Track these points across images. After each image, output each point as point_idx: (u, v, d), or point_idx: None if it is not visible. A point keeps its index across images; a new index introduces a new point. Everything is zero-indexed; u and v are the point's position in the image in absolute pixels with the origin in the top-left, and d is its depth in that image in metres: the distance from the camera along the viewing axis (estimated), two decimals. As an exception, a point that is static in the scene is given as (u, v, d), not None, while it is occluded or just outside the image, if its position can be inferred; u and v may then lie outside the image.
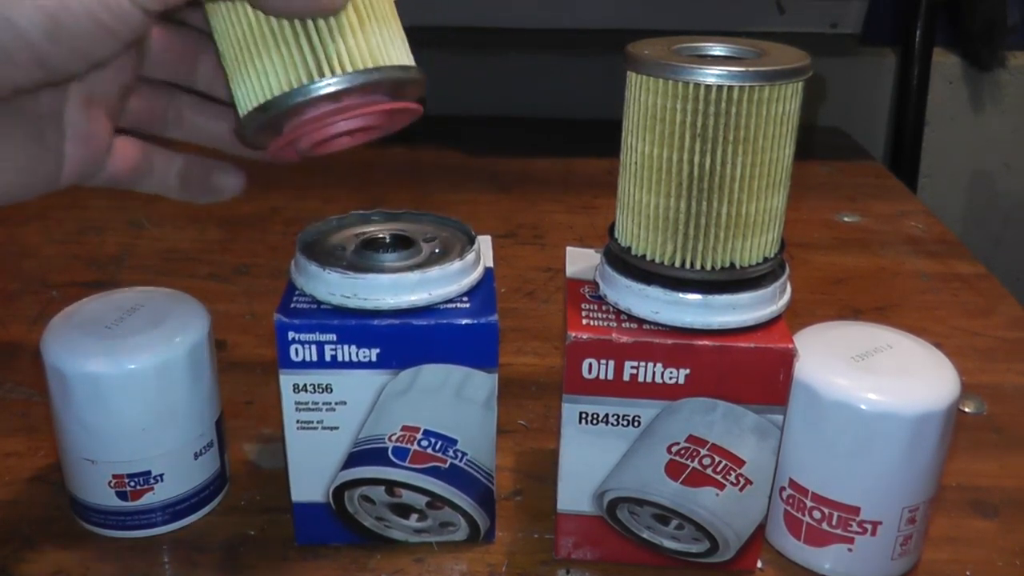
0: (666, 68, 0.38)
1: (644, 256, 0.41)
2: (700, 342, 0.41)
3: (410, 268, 0.43)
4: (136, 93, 0.42)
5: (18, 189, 0.38)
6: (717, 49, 0.42)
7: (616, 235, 0.43)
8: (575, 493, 0.45)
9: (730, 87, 0.37)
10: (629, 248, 0.42)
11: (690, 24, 1.26)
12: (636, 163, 0.41)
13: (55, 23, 0.32)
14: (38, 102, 0.37)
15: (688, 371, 0.41)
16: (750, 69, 0.38)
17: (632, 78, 0.40)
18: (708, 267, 0.41)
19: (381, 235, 0.46)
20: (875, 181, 1.04)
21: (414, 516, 0.46)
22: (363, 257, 0.44)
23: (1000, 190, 1.30)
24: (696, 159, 0.39)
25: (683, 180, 0.39)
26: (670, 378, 0.41)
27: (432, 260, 0.44)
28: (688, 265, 0.41)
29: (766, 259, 0.42)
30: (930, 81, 1.21)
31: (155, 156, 0.43)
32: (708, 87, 0.37)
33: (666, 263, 0.41)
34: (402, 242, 0.46)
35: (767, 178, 0.40)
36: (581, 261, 0.47)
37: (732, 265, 0.41)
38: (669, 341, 0.41)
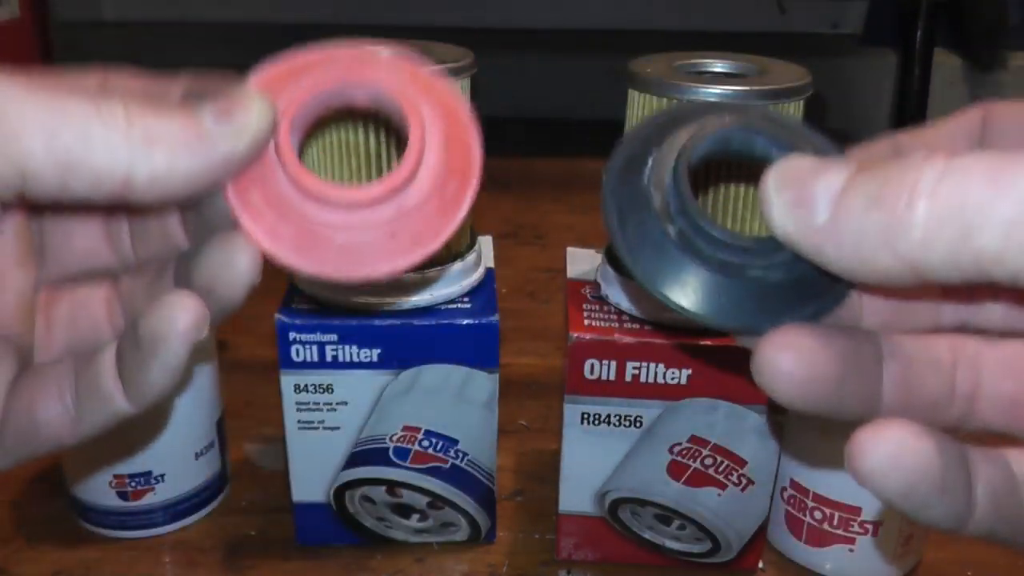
0: (667, 87, 0.38)
1: None
2: (702, 342, 0.41)
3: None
4: None
5: None
6: (718, 66, 0.42)
7: None
8: (577, 494, 0.45)
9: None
10: None
11: (691, 25, 1.26)
12: None
13: None
14: None
15: (690, 371, 0.41)
16: (752, 88, 0.37)
17: (633, 96, 0.40)
18: None
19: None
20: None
21: (415, 516, 0.46)
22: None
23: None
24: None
25: None
26: (672, 378, 0.41)
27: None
28: None
29: None
30: (931, 82, 1.22)
31: None
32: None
33: None
34: None
35: None
36: (582, 262, 0.47)
37: None
38: (671, 341, 0.41)
